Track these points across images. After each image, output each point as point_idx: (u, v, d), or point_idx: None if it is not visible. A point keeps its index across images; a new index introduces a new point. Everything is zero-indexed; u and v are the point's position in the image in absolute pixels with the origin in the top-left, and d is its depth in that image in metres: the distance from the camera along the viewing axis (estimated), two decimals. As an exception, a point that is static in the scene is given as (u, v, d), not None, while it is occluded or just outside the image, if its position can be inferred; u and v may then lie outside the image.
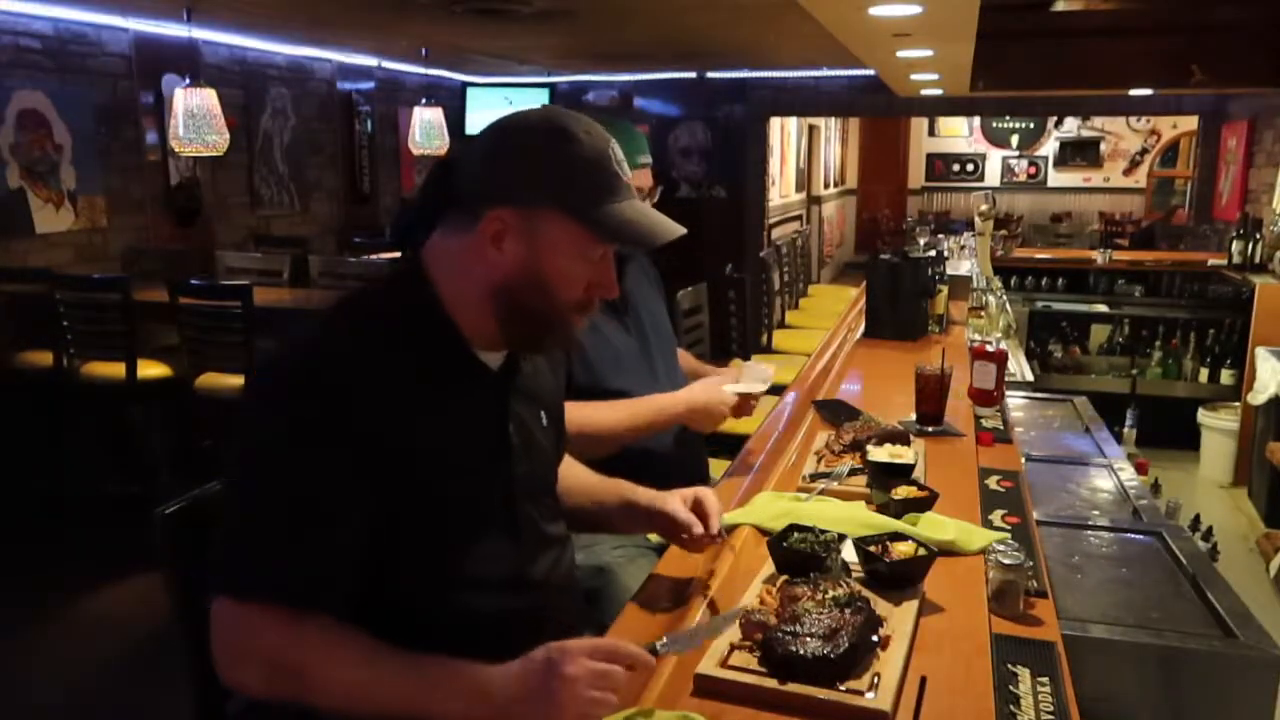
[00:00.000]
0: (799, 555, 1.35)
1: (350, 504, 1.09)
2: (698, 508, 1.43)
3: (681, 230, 1.21)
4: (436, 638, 1.09)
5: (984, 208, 4.36)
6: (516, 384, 1.26)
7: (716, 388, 1.89)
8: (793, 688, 1.09)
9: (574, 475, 1.50)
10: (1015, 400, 2.97)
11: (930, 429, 2.13)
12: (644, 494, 1.46)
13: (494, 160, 1.15)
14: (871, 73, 6.50)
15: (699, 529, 1.40)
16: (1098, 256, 6.01)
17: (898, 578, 1.32)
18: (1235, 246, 5.21)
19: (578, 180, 1.13)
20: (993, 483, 1.86)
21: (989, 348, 2.38)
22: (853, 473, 1.78)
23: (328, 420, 1.08)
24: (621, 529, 1.57)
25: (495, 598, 1.20)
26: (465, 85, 7.93)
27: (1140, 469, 3.67)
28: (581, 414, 1.68)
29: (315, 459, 1.07)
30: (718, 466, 2.20)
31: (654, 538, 1.69)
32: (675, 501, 1.43)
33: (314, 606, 1.07)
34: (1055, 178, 12.15)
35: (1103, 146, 11.90)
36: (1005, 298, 3.71)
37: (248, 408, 1.14)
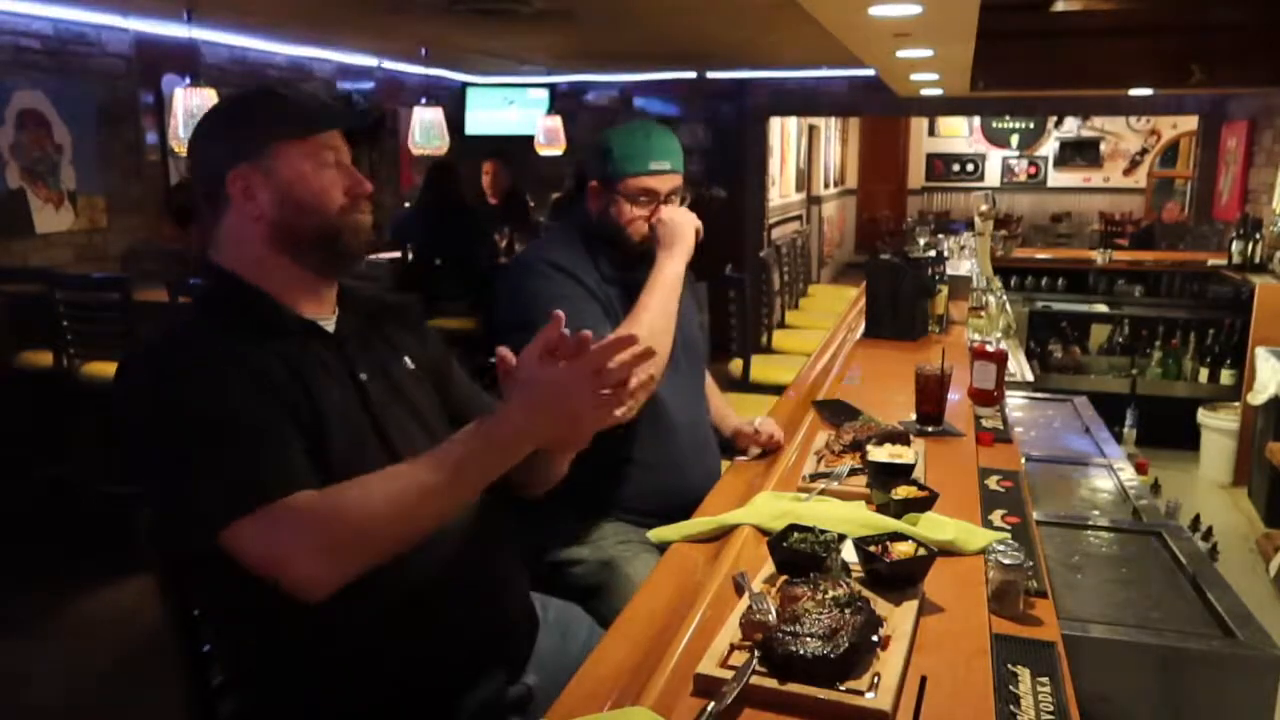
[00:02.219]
0: (799, 555, 1.35)
1: (264, 411, 1.17)
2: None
3: (371, 113, 1.34)
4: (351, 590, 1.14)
5: (984, 208, 4.35)
6: (357, 335, 1.35)
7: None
8: (793, 688, 1.08)
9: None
10: (1015, 400, 2.97)
11: (930, 429, 2.13)
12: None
13: (209, 139, 1.32)
14: (871, 73, 6.50)
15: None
16: (1098, 256, 6.01)
17: (898, 578, 1.32)
18: (1235, 246, 5.20)
19: (283, 109, 1.32)
20: (993, 483, 1.86)
21: (989, 348, 2.38)
22: (853, 473, 1.78)
23: (209, 377, 1.17)
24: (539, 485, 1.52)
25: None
26: (465, 85, 7.93)
27: (1140, 469, 3.66)
28: None
29: (216, 386, 1.16)
30: (718, 466, 2.20)
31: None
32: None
33: (303, 483, 1.13)
34: (1055, 178, 12.16)
35: (1103, 146, 11.91)
36: (1005, 298, 3.70)
37: (131, 382, 1.21)
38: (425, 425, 1.36)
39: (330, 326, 1.34)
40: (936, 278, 3.23)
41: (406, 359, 1.42)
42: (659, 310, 1.83)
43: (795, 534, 1.40)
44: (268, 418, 1.16)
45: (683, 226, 1.91)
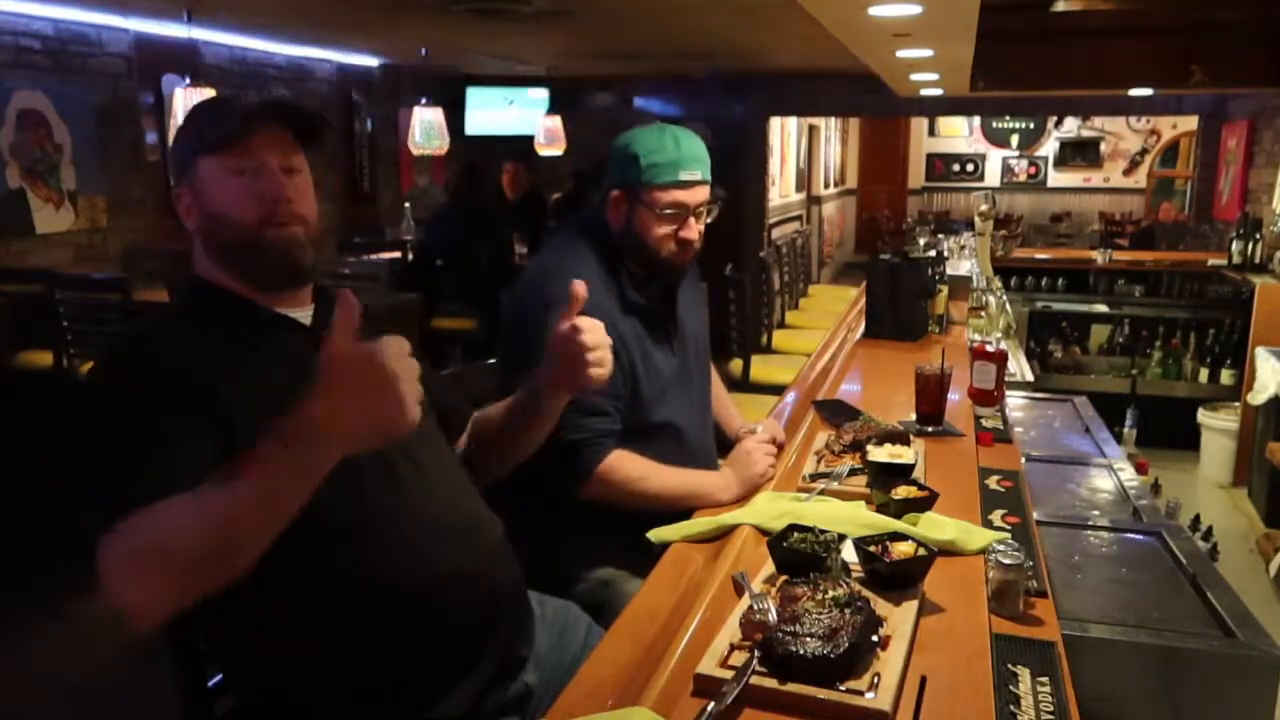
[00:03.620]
0: (799, 555, 1.35)
1: (198, 455, 1.13)
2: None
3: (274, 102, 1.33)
4: (338, 592, 1.16)
5: (984, 208, 4.35)
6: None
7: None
8: (793, 688, 1.09)
9: (481, 416, 1.59)
10: (1015, 400, 2.97)
11: (930, 429, 2.13)
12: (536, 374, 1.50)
13: (169, 159, 1.39)
14: (871, 73, 6.49)
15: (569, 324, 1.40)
16: (1098, 256, 6.01)
17: (898, 578, 1.32)
18: (1235, 246, 5.20)
19: (198, 126, 1.31)
20: (993, 483, 1.86)
21: (989, 348, 2.38)
22: (853, 473, 1.78)
23: (163, 391, 1.16)
24: (536, 413, 1.53)
25: (385, 533, 1.26)
26: (465, 85, 7.93)
27: (1140, 469, 3.67)
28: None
29: (159, 419, 1.15)
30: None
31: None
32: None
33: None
34: (1055, 178, 12.16)
35: (1103, 146, 11.91)
36: (1005, 298, 3.70)
37: (88, 395, 1.21)
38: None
39: (306, 319, 1.34)
40: (936, 278, 3.23)
41: None
42: (675, 495, 1.75)
43: (795, 534, 1.40)
44: (188, 460, 1.12)
45: (758, 465, 1.78)
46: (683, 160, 1.77)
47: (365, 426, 1.05)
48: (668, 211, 1.78)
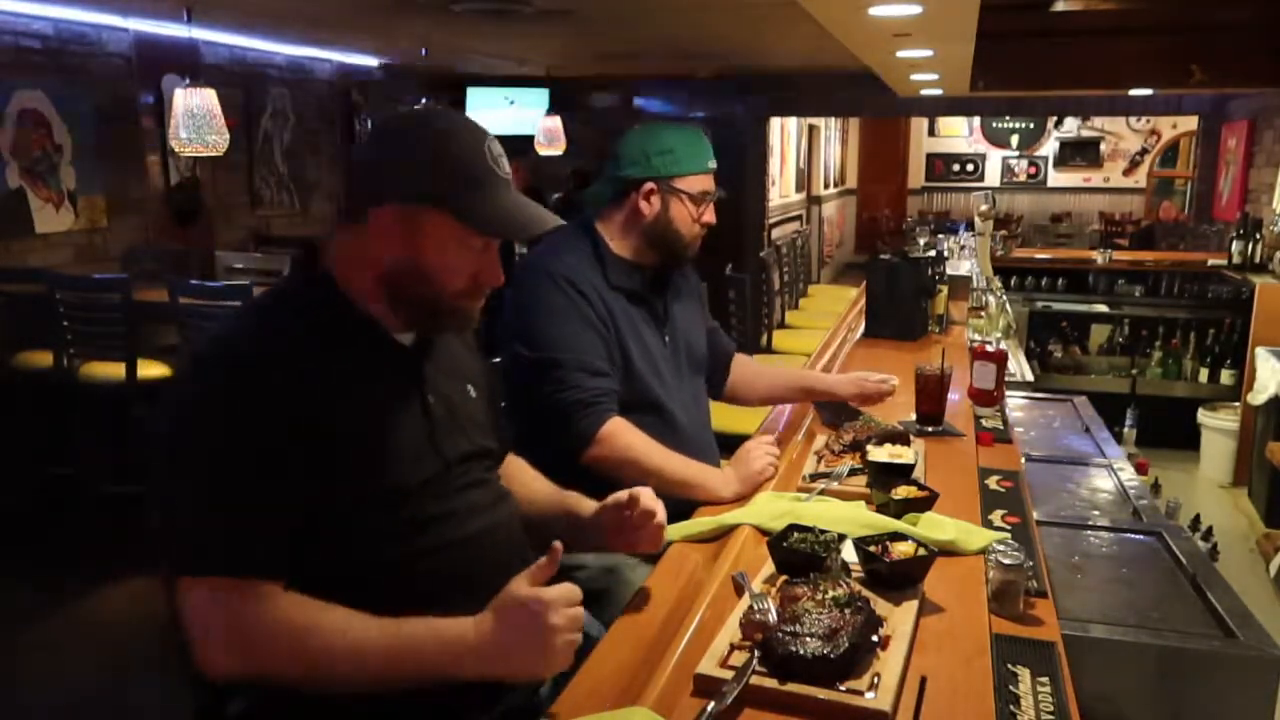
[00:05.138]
0: (799, 555, 1.35)
1: (286, 475, 1.12)
2: (632, 503, 1.40)
3: (558, 221, 1.28)
4: (380, 599, 1.13)
5: (984, 208, 4.35)
6: (433, 359, 1.31)
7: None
8: (793, 688, 1.08)
9: (520, 482, 1.49)
10: (1015, 400, 2.97)
11: (930, 429, 2.13)
12: (586, 505, 1.46)
13: (373, 161, 1.24)
14: (871, 73, 6.49)
15: (632, 502, 1.38)
16: (1098, 256, 6.01)
17: (898, 578, 1.32)
18: (1235, 246, 5.21)
19: (452, 177, 1.19)
20: (993, 483, 1.86)
21: (989, 348, 2.38)
22: (853, 473, 1.78)
23: (255, 398, 1.13)
24: (570, 543, 1.55)
25: (434, 539, 1.24)
26: (465, 85, 7.93)
27: (1140, 469, 3.67)
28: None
29: (246, 433, 1.12)
30: (718, 466, 2.20)
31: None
32: (610, 498, 1.42)
33: (274, 575, 1.11)
34: (1055, 178, 12.16)
35: (1103, 146, 11.91)
36: (1005, 298, 3.70)
37: (181, 393, 1.19)
38: (474, 443, 1.34)
39: (407, 340, 1.28)
40: (936, 278, 3.23)
41: (469, 386, 1.38)
42: (674, 478, 1.76)
43: (795, 534, 1.40)
44: (281, 485, 1.12)
45: (758, 463, 1.81)
46: (707, 150, 1.93)
47: (511, 664, 1.10)
48: (701, 197, 1.91)
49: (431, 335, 1.31)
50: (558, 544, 1.13)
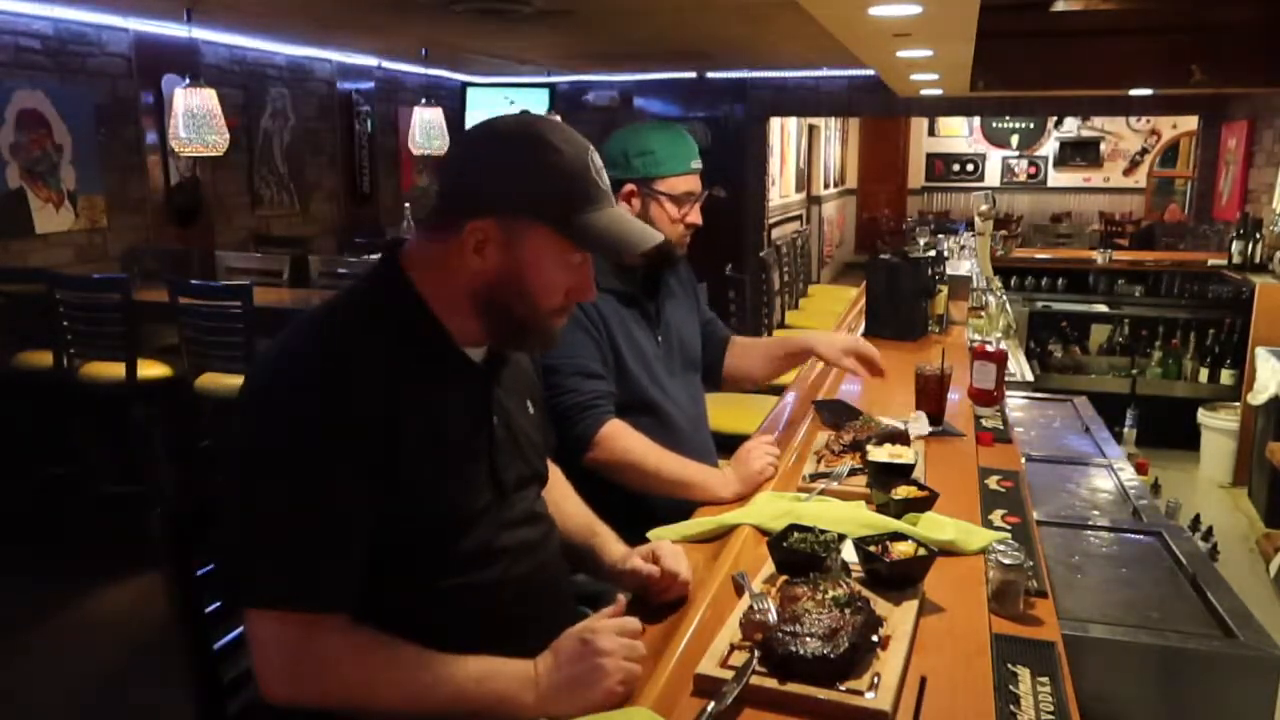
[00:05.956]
0: (799, 555, 1.35)
1: (357, 499, 1.10)
2: (656, 561, 1.38)
3: (660, 237, 1.24)
4: (434, 626, 1.12)
5: (984, 208, 4.35)
6: (500, 376, 1.28)
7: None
8: (793, 688, 1.08)
9: (552, 500, 1.46)
10: (1015, 400, 2.97)
11: (930, 429, 2.13)
12: (613, 550, 1.45)
13: (473, 169, 1.18)
14: (871, 73, 6.50)
15: (657, 572, 1.36)
16: (1098, 256, 6.01)
17: (898, 578, 1.32)
18: (1235, 246, 5.20)
19: (557, 191, 1.15)
20: (993, 483, 1.86)
21: (989, 348, 2.38)
22: (853, 473, 1.78)
23: (327, 417, 1.09)
24: (592, 574, 1.51)
25: (488, 575, 1.22)
26: (465, 85, 7.93)
27: (1140, 469, 3.67)
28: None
29: (319, 456, 1.08)
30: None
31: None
32: (636, 559, 1.41)
33: (340, 608, 1.10)
34: (1055, 178, 12.16)
35: (1103, 146, 11.91)
36: (1005, 298, 3.70)
37: (247, 409, 1.15)
38: (530, 467, 1.33)
39: (478, 356, 1.25)
40: (936, 278, 3.22)
41: (529, 402, 1.37)
42: (673, 479, 1.77)
43: (795, 534, 1.40)
44: (352, 512, 1.09)
45: (757, 463, 1.81)
46: (690, 152, 1.92)
47: (570, 699, 1.09)
48: (684, 198, 1.91)
49: (512, 351, 1.29)
50: (622, 597, 1.16)
